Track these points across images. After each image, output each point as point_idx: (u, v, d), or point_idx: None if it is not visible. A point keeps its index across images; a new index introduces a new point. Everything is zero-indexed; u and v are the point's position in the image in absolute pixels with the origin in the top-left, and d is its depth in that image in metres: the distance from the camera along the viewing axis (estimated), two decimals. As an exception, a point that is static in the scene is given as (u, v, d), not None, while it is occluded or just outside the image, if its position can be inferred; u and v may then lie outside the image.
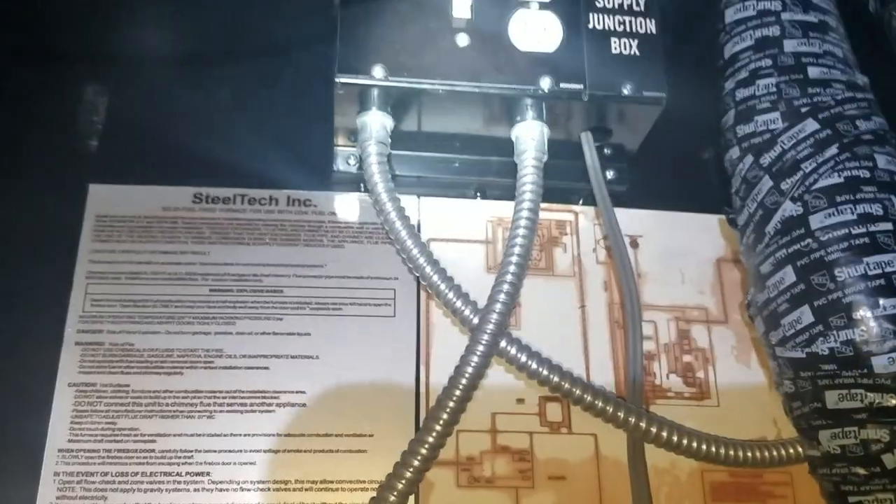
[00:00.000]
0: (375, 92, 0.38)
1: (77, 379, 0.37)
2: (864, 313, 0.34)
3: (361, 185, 0.42)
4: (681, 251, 0.43)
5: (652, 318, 0.41)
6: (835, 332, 0.34)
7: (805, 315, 0.35)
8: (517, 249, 0.38)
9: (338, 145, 0.42)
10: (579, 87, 0.38)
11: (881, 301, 0.34)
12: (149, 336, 0.38)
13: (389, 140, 0.40)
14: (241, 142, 0.43)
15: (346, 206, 0.42)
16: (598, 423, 0.38)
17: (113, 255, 0.40)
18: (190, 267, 0.40)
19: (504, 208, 0.42)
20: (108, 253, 0.40)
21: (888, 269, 0.34)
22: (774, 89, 0.39)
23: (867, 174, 0.36)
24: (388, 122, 0.39)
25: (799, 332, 0.35)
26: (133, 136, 0.43)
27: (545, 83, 0.38)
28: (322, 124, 0.42)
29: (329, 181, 0.42)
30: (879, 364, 0.33)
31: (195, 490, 0.36)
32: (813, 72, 0.38)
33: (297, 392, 0.38)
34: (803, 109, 0.38)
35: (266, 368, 0.38)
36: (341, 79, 0.38)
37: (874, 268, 0.34)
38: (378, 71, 0.38)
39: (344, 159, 0.42)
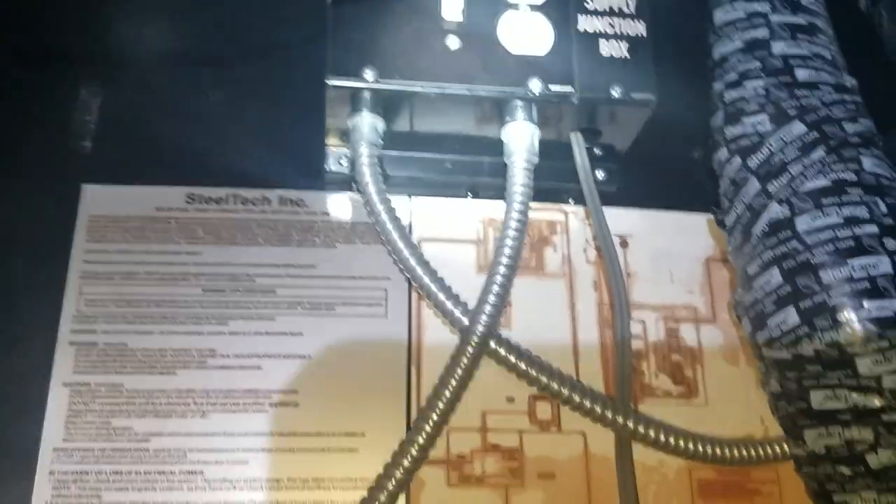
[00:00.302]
0: (367, 94, 0.38)
1: (71, 378, 0.38)
2: (848, 315, 0.34)
3: (353, 184, 0.42)
4: (670, 251, 0.43)
5: (641, 318, 0.41)
6: (820, 333, 0.34)
7: (791, 316, 0.35)
8: (507, 250, 0.39)
9: (329, 145, 0.42)
10: (569, 89, 0.39)
11: (866, 303, 0.34)
12: (142, 336, 0.38)
13: (381, 141, 0.40)
14: (234, 142, 0.43)
15: (339, 207, 0.42)
16: (587, 421, 0.38)
17: (107, 256, 0.40)
18: (183, 267, 0.40)
19: (495, 208, 0.43)
20: (102, 253, 0.40)
21: (873, 272, 0.34)
22: (763, 91, 0.39)
23: (853, 177, 0.36)
24: (380, 123, 0.40)
25: (785, 333, 0.35)
26: (126, 137, 0.43)
27: (535, 86, 0.38)
28: (314, 124, 0.42)
29: (321, 181, 0.43)
30: (864, 365, 0.33)
31: (188, 489, 0.36)
32: (801, 74, 0.39)
33: (289, 391, 0.38)
34: (791, 112, 0.38)
35: (258, 368, 0.38)
36: (332, 81, 0.38)
37: (859, 270, 0.34)
38: (369, 73, 0.38)
39: (336, 159, 0.42)
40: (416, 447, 0.36)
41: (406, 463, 0.36)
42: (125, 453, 0.37)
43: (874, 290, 0.34)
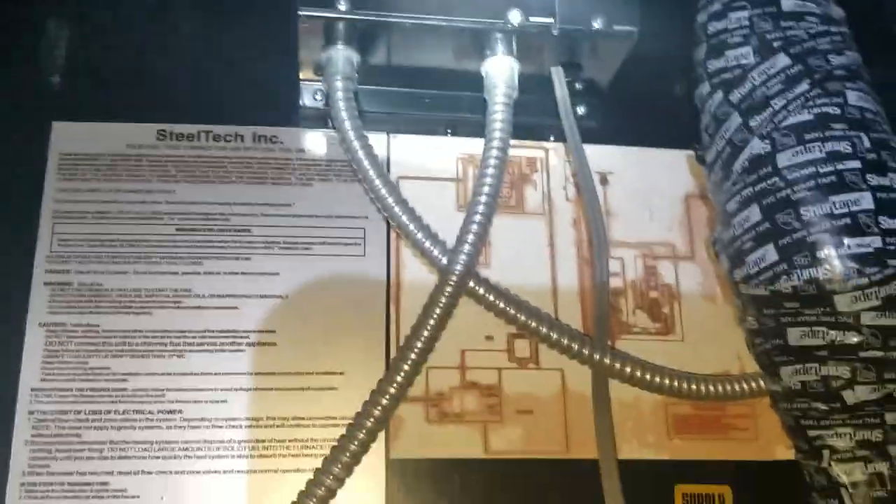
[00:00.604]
0: (340, 25, 0.37)
1: (47, 319, 0.37)
2: (828, 252, 0.34)
3: (329, 120, 0.41)
4: (650, 188, 0.42)
5: (620, 255, 0.41)
6: (799, 270, 0.34)
7: (770, 253, 0.35)
8: (487, 188, 0.38)
9: (304, 80, 0.41)
10: (549, 20, 0.38)
11: (846, 240, 0.34)
12: (117, 276, 0.38)
13: (356, 75, 0.39)
14: (206, 77, 0.42)
15: (314, 144, 0.41)
16: (565, 358, 0.38)
17: (79, 195, 0.39)
18: (156, 206, 0.39)
19: (475, 145, 0.42)
20: (74, 192, 0.39)
21: (854, 208, 0.34)
22: (747, 23, 0.38)
23: (837, 111, 0.36)
24: (355, 56, 0.39)
25: (763, 270, 0.35)
26: (96, 72, 0.42)
27: (514, 17, 0.37)
28: (288, 58, 0.41)
29: (296, 117, 0.42)
30: (842, 302, 0.33)
31: (167, 427, 0.36)
32: (787, 4, 0.38)
33: (267, 331, 0.38)
34: (775, 44, 0.37)
35: (235, 308, 0.38)
36: (304, 11, 0.37)
37: (840, 206, 0.34)
38: (343, 3, 0.37)
39: (311, 94, 0.41)
40: (395, 385, 0.36)
41: (385, 401, 0.36)
42: (103, 393, 0.36)
43: (855, 226, 0.34)
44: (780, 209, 0.35)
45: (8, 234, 0.38)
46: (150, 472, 0.36)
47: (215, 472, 0.36)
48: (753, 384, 0.37)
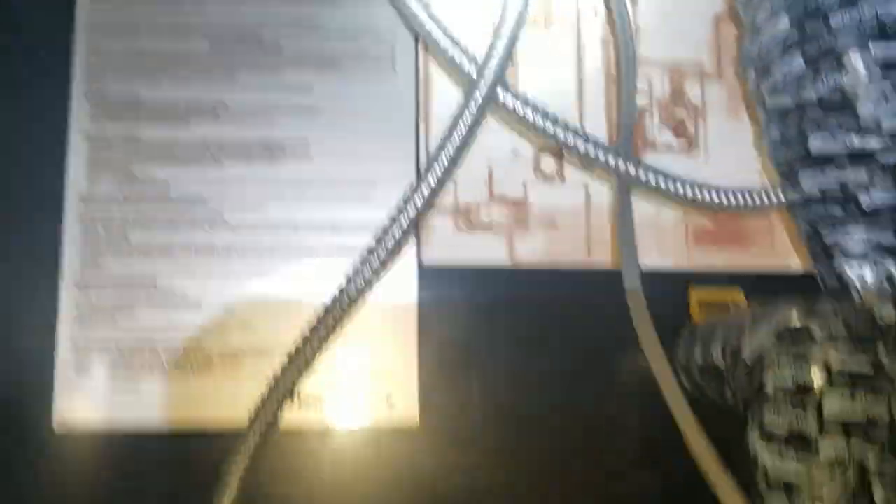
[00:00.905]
0: None
1: (89, 130, 0.39)
2: (854, 58, 0.34)
3: (359, -63, 0.41)
4: (680, 4, 0.42)
5: (647, 73, 0.42)
6: (824, 77, 0.35)
7: (797, 62, 0.35)
8: (516, 3, 0.38)
9: None
10: None
11: (872, 45, 0.34)
12: (153, 88, 0.39)
13: None
14: None
15: (344, -40, 0.41)
16: (589, 174, 0.39)
17: (111, 7, 0.39)
18: (188, 20, 0.40)
19: (504, -37, 0.42)
20: (107, 4, 0.40)
21: (882, 14, 0.34)
22: None
23: (873, -85, 0.35)
24: None
25: (789, 79, 0.36)
26: None
27: None
28: None
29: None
30: (865, 107, 0.34)
31: (209, 229, 0.38)
32: None
33: (301, 143, 0.39)
34: None
35: (270, 120, 0.39)
36: None
37: (868, 11, 0.34)
38: None
39: None
40: (425, 193, 0.37)
41: (414, 209, 0.37)
42: (148, 199, 0.38)
43: (882, 32, 0.34)
44: (809, 17, 0.35)
45: (44, 46, 0.39)
46: (194, 272, 0.38)
47: (256, 273, 0.38)
48: (773, 195, 0.38)
